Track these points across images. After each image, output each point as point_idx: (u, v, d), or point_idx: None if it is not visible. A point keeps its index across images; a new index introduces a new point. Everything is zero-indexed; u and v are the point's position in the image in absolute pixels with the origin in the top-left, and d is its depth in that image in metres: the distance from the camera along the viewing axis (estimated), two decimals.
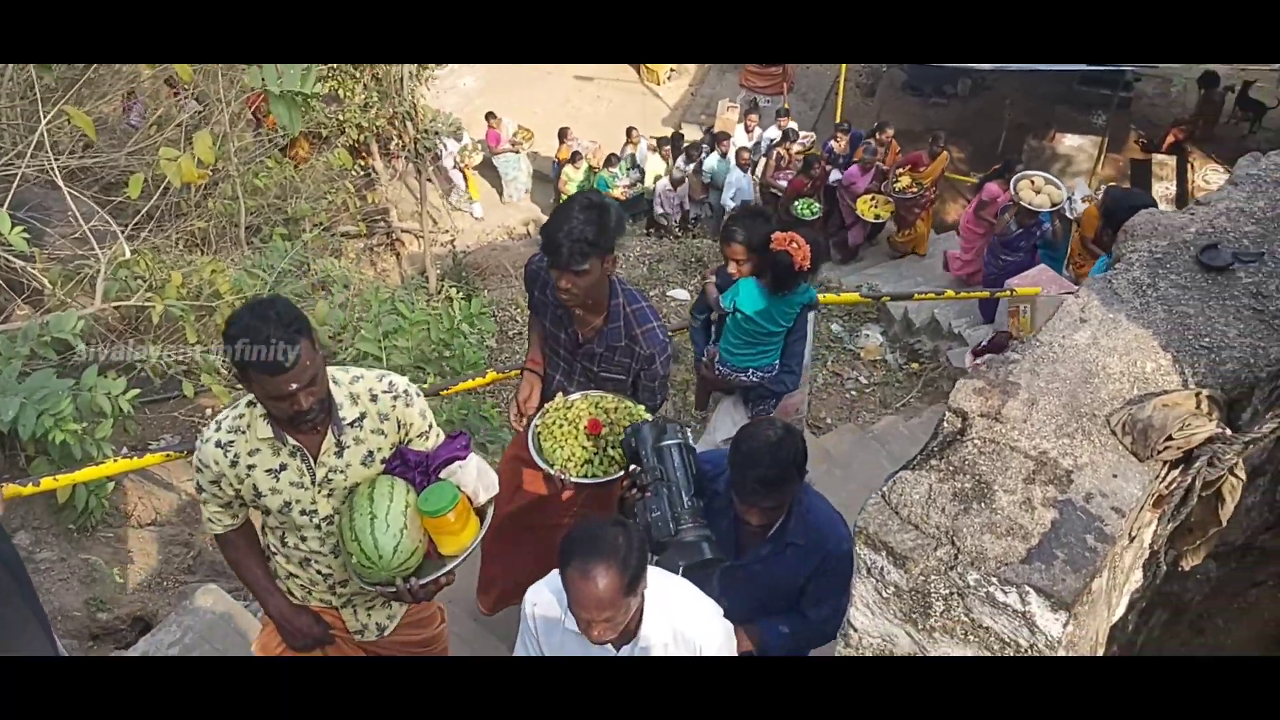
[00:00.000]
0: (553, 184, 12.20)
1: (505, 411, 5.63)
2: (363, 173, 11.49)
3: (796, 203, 9.81)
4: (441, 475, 2.55)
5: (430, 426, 2.63)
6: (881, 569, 1.82)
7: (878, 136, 10.42)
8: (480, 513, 2.64)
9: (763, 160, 11.07)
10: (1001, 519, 1.77)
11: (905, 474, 1.88)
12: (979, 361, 5.82)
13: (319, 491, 2.52)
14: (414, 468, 2.55)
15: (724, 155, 11.05)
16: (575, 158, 11.78)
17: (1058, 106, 12.99)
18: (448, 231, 12.49)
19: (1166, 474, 1.86)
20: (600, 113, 14.38)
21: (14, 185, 5.08)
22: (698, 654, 2.42)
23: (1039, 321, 4.90)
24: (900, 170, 9.93)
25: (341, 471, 2.51)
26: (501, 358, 7.95)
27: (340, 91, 9.85)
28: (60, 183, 4.93)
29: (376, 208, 11.70)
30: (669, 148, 11.89)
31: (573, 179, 11.63)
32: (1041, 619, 1.67)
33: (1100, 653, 1.99)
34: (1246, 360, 2.02)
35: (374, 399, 2.52)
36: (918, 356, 8.25)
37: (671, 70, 15.20)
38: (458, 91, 13.92)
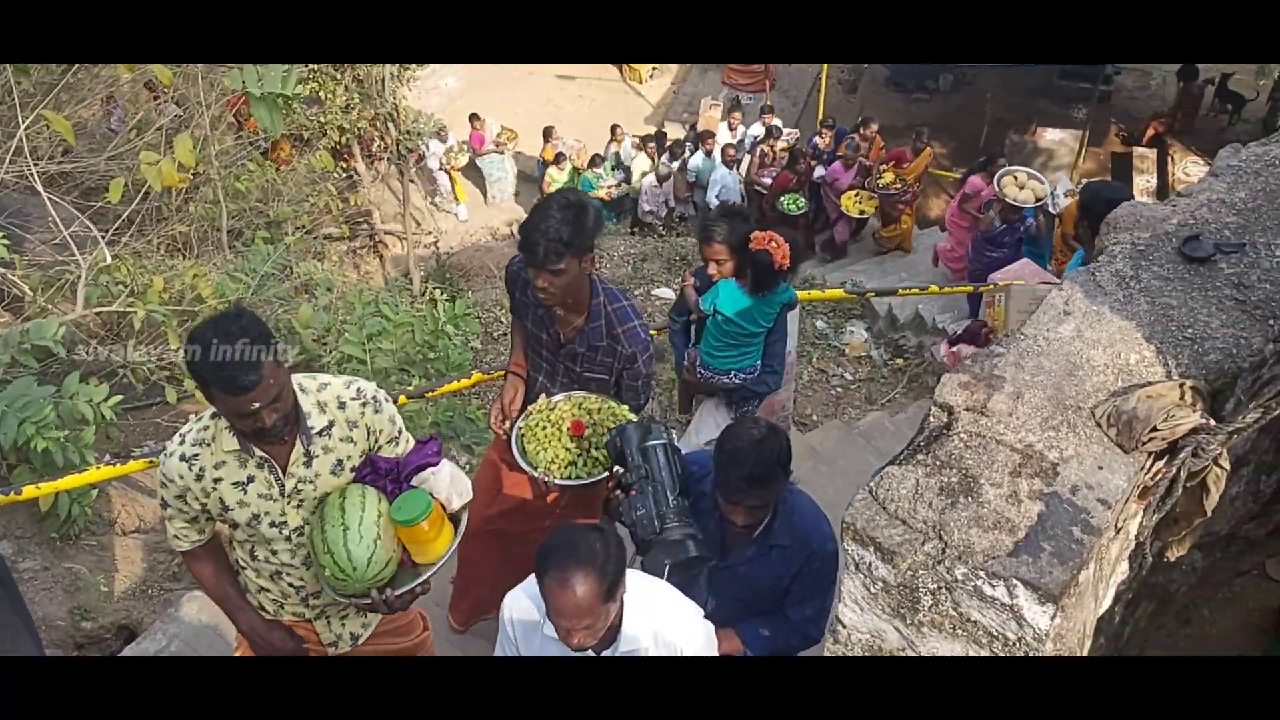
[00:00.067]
0: (537, 184, 12.18)
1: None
2: (345, 175, 11.44)
3: (782, 198, 9.83)
4: (414, 482, 2.51)
5: (400, 432, 2.59)
6: (870, 564, 1.82)
7: (861, 132, 10.44)
8: (454, 519, 2.60)
9: (747, 157, 11.08)
10: (988, 513, 1.77)
11: (892, 469, 1.89)
12: (953, 349, 5.83)
13: (288, 503, 2.47)
14: (385, 475, 2.51)
15: (708, 153, 11.06)
16: (560, 159, 11.76)
17: (1038, 101, 13.08)
18: (431, 233, 12.44)
19: (1151, 465, 1.87)
20: (582, 112, 14.36)
21: None
22: (678, 655, 2.41)
23: (1012, 311, 4.91)
24: (884, 166, 9.95)
25: (311, 481, 2.46)
26: (486, 359, 7.92)
27: (321, 93, 9.78)
28: (40, 188, 4.89)
29: (359, 210, 11.63)
30: (654, 145, 11.89)
31: (557, 180, 11.59)
32: (1029, 611, 1.68)
33: (1087, 644, 2.00)
34: (1229, 350, 2.03)
35: (342, 406, 2.47)
36: (902, 352, 8.27)
37: (653, 69, 15.19)
38: (440, 92, 13.86)
